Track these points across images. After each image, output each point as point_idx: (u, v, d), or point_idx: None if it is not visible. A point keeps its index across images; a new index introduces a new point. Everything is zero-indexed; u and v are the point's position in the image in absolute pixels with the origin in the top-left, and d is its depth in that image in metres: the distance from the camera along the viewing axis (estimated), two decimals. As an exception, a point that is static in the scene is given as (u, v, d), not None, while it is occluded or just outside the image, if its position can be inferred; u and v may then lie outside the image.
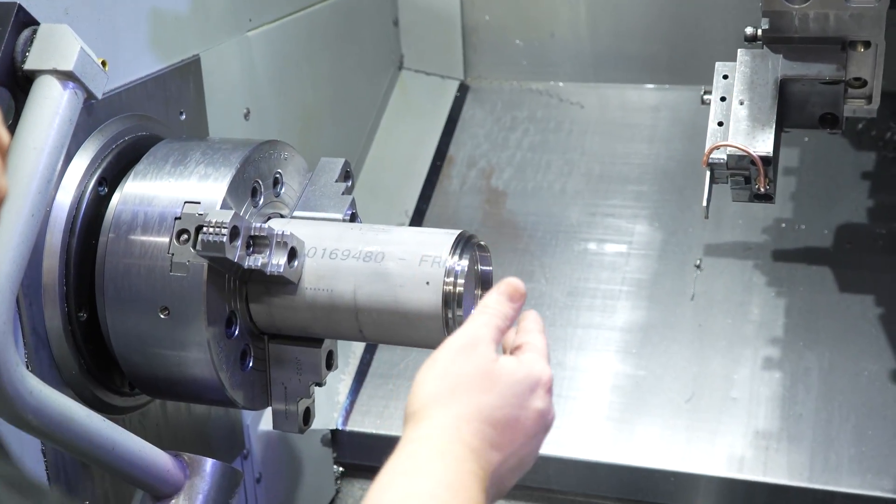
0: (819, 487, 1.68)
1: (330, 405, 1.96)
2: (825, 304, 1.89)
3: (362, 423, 1.94)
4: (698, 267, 1.99)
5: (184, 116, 1.50)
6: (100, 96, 1.19)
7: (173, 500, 1.32)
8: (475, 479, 0.89)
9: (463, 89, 2.39)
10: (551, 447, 1.79)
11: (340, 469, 1.99)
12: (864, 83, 1.32)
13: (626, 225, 2.09)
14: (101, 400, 1.35)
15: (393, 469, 0.88)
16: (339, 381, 1.99)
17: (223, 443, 1.64)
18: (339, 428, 1.95)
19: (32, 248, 1.12)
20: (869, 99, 1.34)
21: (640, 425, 1.80)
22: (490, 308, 1.02)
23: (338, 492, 1.99)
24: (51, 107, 1.10)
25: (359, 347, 2.03)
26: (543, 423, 0.97)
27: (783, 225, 2.01)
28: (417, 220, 2.21)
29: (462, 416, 0.92)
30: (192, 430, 1.55)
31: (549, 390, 0.99)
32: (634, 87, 2.30)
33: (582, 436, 1.81)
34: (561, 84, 2.34)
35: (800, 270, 1.95)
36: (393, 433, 1.89)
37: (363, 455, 1.94)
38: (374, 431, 1.93)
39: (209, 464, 1.34)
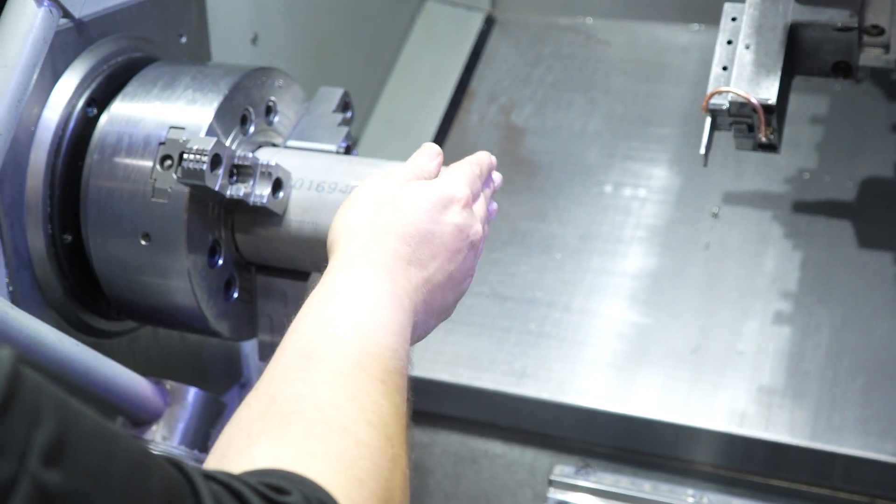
0: (820, 447, 1.63)
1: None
2: (842, 259, 1.83)
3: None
4: (715, 215, 1.93)
5: (184, 39, 1.47)
6: (77, 15, 1.16)
7: (153, 427, 1.31)
8: (390, 297, 0.88)
9: (489, 22, 2.33)
10: (550, 391, 1.77)
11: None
12: (882, 31, 1.25)
13: (644, 168, 2.03)
14: (86, 323, 1.33)
15: (310, 301, 0.88)
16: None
17: (219, 371, 1.62)
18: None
19: (1, 166, 1.10)
20: (886, 48, 1.27)
21: (642, 375, 1.77)
22: (407, 163, 1.05)
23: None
24: (24, 25, 1.07)
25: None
26: (465, 238, 0.97)
27: (806, 175, 1.94)
28: (434, 154, 2.16)
29: (371, 238, 0.93)
30: (185, 357, 1.54)
31: (467, 206, 0.98)
32: (665, 26, 2.23)
33: (582, 382, 1.78)
34: (589, 20, 2.28)
35: (819, 223, 1.88)
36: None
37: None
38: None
39: (191, 392, 1.33)
